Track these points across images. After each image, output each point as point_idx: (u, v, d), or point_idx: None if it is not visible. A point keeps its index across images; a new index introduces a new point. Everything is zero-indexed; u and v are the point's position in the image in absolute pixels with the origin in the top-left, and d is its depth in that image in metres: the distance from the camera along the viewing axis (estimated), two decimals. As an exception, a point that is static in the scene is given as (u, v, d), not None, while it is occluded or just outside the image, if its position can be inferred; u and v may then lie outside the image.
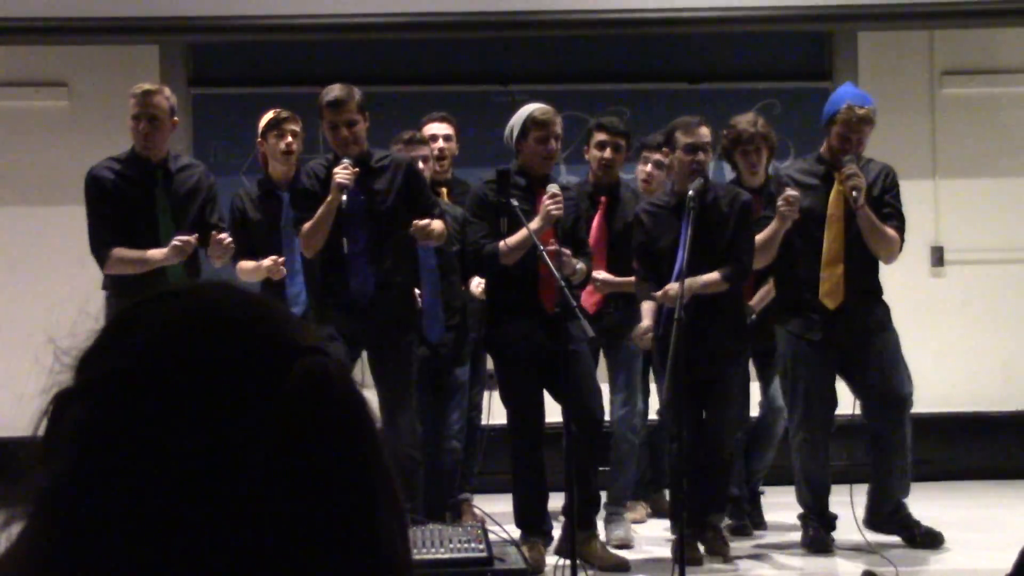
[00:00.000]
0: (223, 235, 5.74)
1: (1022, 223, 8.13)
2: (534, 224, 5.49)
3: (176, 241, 5.61)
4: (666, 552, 5.79)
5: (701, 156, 5.71)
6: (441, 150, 6.52)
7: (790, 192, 5.73)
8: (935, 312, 7.94)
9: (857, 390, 5.96)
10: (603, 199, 6.26)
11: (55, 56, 7.82)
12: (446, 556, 4.00)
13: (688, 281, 5.47)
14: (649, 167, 6.58)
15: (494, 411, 6.69)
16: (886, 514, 5.92)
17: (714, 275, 5.65)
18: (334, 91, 5.66)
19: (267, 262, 5.96)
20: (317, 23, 7.54)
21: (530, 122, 5.73)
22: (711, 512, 5.80)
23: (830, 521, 5.97)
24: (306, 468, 0.87)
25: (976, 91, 8.16)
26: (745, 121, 6.29)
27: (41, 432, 0.89)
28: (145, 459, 0.84)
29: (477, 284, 6.14)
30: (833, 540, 5.91)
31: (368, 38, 7.87)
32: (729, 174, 6.85)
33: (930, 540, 5.85)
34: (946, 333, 7.97)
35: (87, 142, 7.67)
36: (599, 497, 5.85)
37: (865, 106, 5.85)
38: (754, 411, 6.48)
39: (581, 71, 8.10)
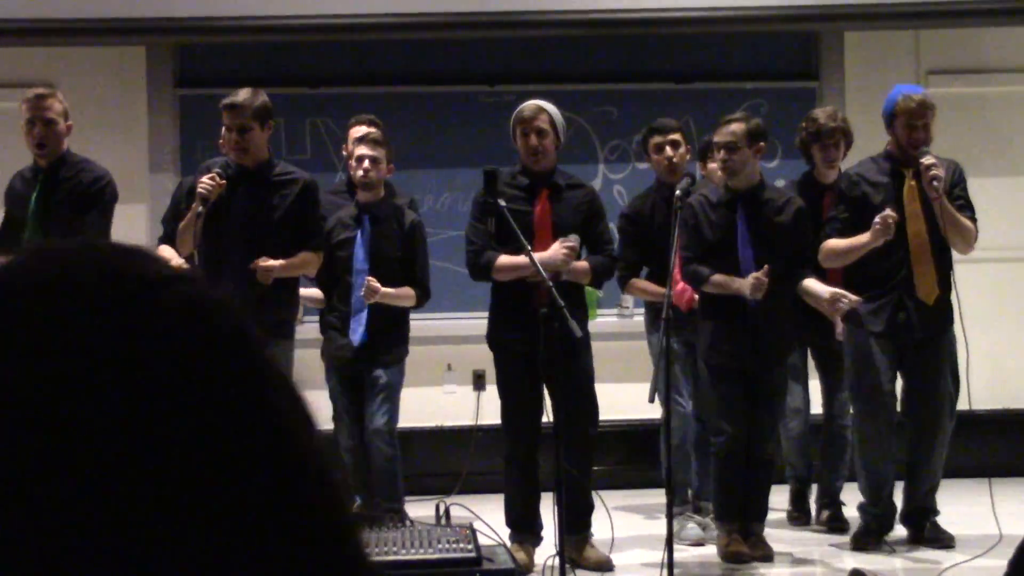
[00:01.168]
0: None
1: (1008, 222, 8.15)
2: (537, 258, 5.30)
3: None
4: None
5: (724, 154, 5.77)
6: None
7: (889, 213, 5.69)
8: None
9: (906, 385, 6.00)
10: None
11: (42, 57, 7.81)
12: (434, 556, 3.99)
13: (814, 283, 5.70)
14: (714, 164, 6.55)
15: (483, 412, 6.70)
16: (907, 513, 5.97)
17: (815, 283, 5.77)
18: (236, 95, 5.67)
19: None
20: (304, 24, 7.54)
21: (516, 119, 5.74)
22: (752, 520, 5.84)
23: (887, 518, 5.96)
24: (195, 403, 0.76)
25: (961, 91, 8.18)
26: (825, 115, 6.30)
27: None
28: None
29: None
30: (882, 538, 5.91)
31: (354, 39, 7.86)
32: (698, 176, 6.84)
33: (936, 540, 5.87)
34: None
35: (74, 143, 7.64)
36: (591, 500, 5.85)
37: (920, 93, 5.89)
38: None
39: (568, 71, 8.11)
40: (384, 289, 5.83)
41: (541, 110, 5.73)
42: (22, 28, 7.38)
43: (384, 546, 4.05)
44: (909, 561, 5.69)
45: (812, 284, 5.77)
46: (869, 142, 6.45)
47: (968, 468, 7.70)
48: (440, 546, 4.05)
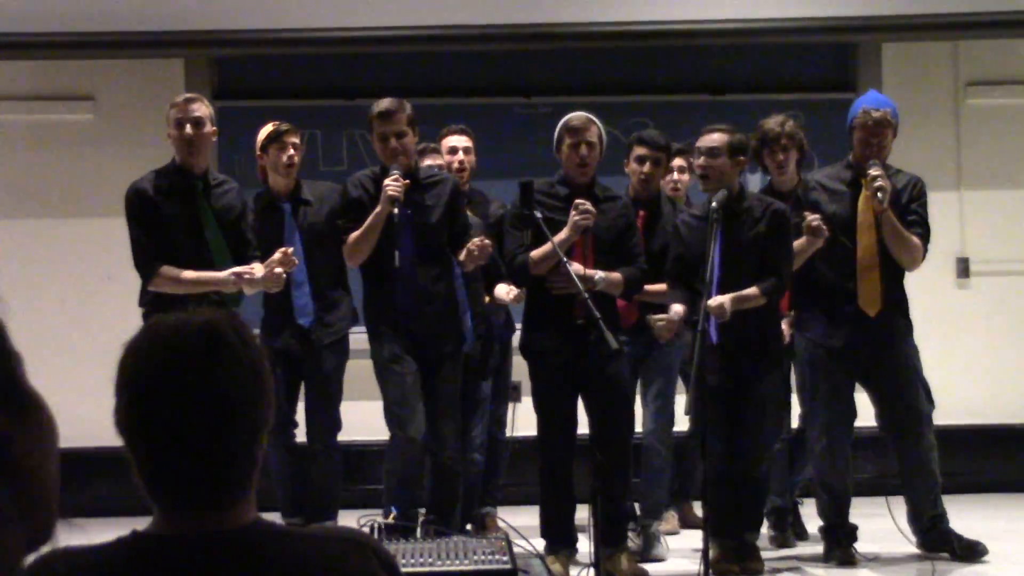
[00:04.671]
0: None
1: (1048, 234, 8.10)
2: (562, 235, 5.53)
3: (235, 271, 5.59)
4: (694, 565, 5.77)
5: (703, 160, 5.74)
6: (460, 163, 6.53)
7: (818, 220, 5.72)
8: (960, 324, 7.91)
9: (875, 400, 5.96)
10: (642, 213, 6.25)
11: (81, 70, 7.87)
12: (470, 568, 3.99)
13: (729, 297, 5.53)
14: (675, 174, 6.59)
15: (519, 423, 6.70)
16: (923, 530, 5.90)
17: (753, 290, 5.63)
18: (384, 103, 5.71)
19: (277, 255, 5.74)
20: (340, 36, 7.57)
21: (564, 129, 5.74)
22: (746, 530, 5.79)
23: (851, 532, 5.94)
24: None
25: (1001, 102, 8.13)
26: (772, 122, 6.30)
27: None
28: None
29: (507, 291, 6.12)
30: (856, 552, 5.88)
31: (391, 51, 7.89)
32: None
33: (969, 552, 5.81)
34: (971, 345, 7.94)
35: (113, 155, 7.72)
36: (626, 512, 5.83)
37: (881, 109, 5.86)
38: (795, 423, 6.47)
39: (604, 83, 8.11)
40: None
41: (592, 122, 5.75)
42: (62, 41, 7.45)
43: (420, 557, 4.06)
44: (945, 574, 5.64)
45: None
46: (904, 154, 6.42)
47: (1004, 483, 7.67)
48: (476, 557, 4.05)
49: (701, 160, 5.77)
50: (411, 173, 5.72)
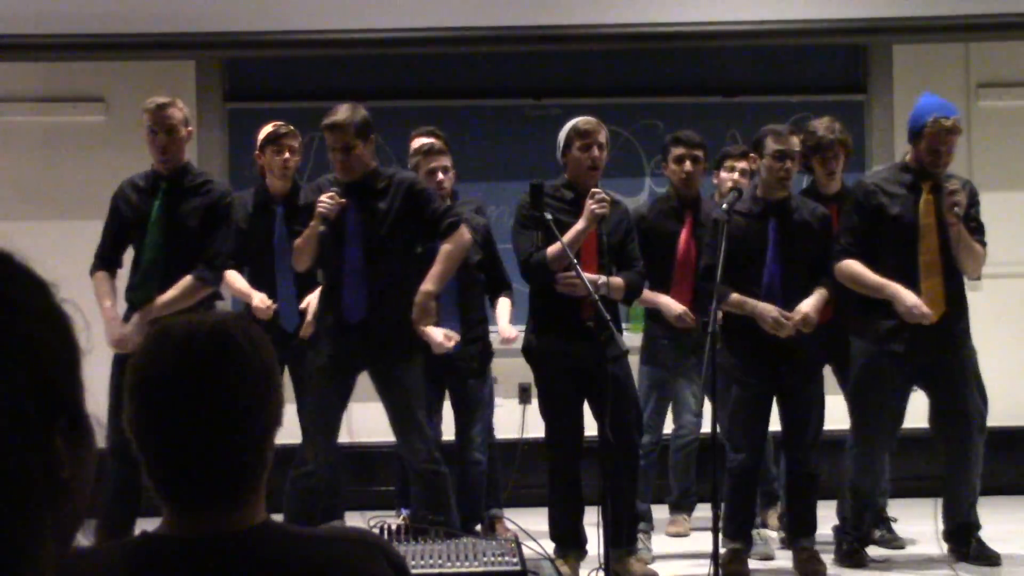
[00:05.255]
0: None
1: (1059, 237, 8.07)
2: (579, 225, 5.55)
3: (117, 335, 5.54)
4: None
5: (789, 164, 5.75)
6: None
7: (925, 314, 5.71)
8: (972, 326, 7.87)
9: (932, 403, 5.95)
10: (688, 219, 6.26)
11: (92, 72, 7.89)
12: (480, 570, 4.00)
13: (811, 302, 5.66)
14: (736, 175, 6.54)
15: (528, 425, 6.70)
16: (950, 532, 5.91)
17: (824, 292, 5.73)
18: (333, 114, 5.54)
19: (256, 301, 5.91)
20: (352, 38, 7.58)
21: (573, 132, 5.73)
22: (801, 534, 5.80)
23: (866, 536, 5.93)
24: None
25: (1012, 104, 8.11)
26: (823, 127, 6.26)
27: None
28: None
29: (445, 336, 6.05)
30: (867, 555, 5.88)
31: (401, 52, 7.89)
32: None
33: (981, 558, 5.80)
34: (982, 347, 7.87)
35: (124, 157, 7.71)
36: (636, 514, 5.83)
37: (951, 117, 5.85)
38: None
39: (615, 85, 8.10)
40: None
41: (600, 124, 5.74)
42: (73, 43, 7.46)
43: (430, 558, 4.06)
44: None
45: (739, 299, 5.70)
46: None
47: (1017, 485, 7.65)
48: (485, 559, 4.05)
49: (788, 164, 5.76)
50: (368, 181, 5.58)
